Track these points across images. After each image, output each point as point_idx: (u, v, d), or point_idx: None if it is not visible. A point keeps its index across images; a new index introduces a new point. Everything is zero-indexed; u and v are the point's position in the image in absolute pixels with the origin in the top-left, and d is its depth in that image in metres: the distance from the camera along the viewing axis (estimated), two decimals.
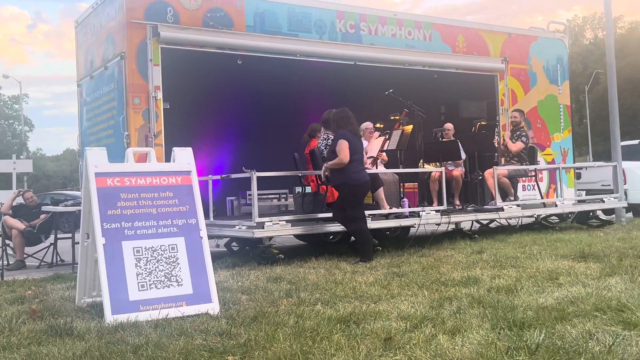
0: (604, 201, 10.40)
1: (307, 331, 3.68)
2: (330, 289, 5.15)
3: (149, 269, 4.40)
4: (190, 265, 4.52)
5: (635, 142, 14.62)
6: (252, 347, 3.42)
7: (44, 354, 3.47)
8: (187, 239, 4.60)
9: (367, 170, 8.24)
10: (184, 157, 4.90)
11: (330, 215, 7.67)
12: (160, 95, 7.66)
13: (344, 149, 6.85)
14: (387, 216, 8.16)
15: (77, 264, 5.62)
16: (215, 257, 7.25)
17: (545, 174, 11.19)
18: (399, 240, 8.69)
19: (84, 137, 9.03)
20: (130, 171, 4.66)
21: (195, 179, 4.83)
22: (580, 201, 10.59)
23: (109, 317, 4.15)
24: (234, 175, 7.77)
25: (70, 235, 8.65)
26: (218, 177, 8.05)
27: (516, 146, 9.61)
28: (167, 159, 5.32)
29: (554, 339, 3.30)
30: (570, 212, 10.51)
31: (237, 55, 8.45)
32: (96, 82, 8.56)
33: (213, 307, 4.43)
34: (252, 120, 11.49)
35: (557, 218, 10.96)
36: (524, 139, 9.62)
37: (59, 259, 8.91)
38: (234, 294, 5.08)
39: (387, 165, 9.45)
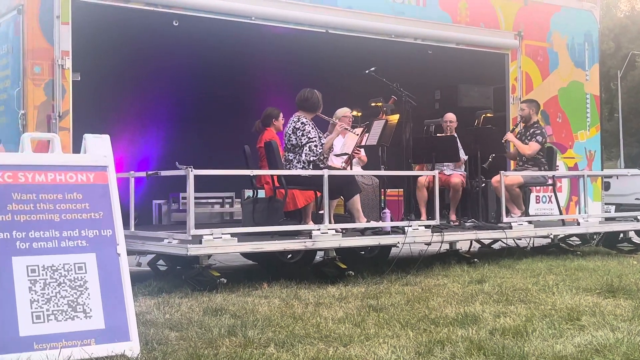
0: (638, 220, 10.58)
1: None
2: (286, 325, 5.12)
3: (48, 294, 4.31)
4: (102, 291, 4.44)
5: None
6: None
7: None
8: (100, 256, 4.52)
9: (339, 171, 8.28)
10: (99, 148, 4.81)
11: (290, 227, 7.65)
12: (69, 63, 7.56)
13: None
14: (363, 231, 8.16)
15: None
16: (137, 279, 7.13)
17: (565, 183, 11.35)
18: (378, 264, 8.69)
19: None
20: (26, 164, 4.55)
21: (112, 177, 4.75)
22: (608, 219, 10.78)
23: None
24: (163, 173, 7.69)
25: None
26: (143, 174, 7.96)
27: (530, 148, 9.66)
28: (77, 149, 5.23)
29: None
30: (596, 233, 10.65)
31: (173, 15, 8.38)
32: None
33: (132, 346, 4.36)
34: (191, 101, 11.44)
35: (578, 240, 11.11)
36: (539, 137, 9.67)
37: None
38: (159, 329, 5.01)
39: (365, 167, 9.46)
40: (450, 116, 10.12)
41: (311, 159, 7.83)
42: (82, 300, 4.39)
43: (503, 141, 9.84)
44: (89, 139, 4.86)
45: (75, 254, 4.46)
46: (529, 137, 9.72)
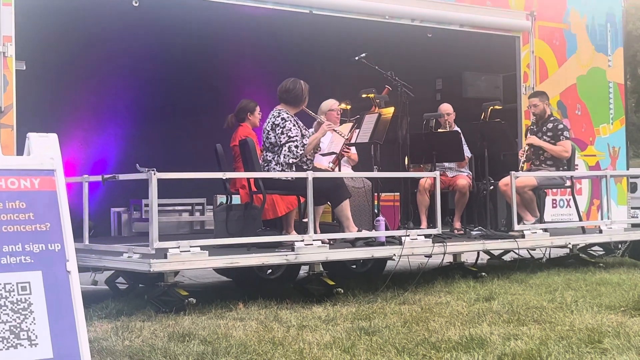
0: None
1: None
2: (265, 352, 5.11)
3: None
4: (50, 315, 4.41)
5: None
6: None
7: None
8: (47, 275, 4.49)
9: (326, 173, 8.29)
10: (45, 148, 4.78)
11: (269, 238, 7.67)
12: (12, 50, 7.51)
13: None
14: (353, 242, 8.18)
15: None
16: (92, 300, 7.08)
17: (585, 185, 11.39)
18: (371, 279, 8.70)
19: None
20: None
21: (61, 182, 4.73)
22: (635, 225, 10.80)
23: None
24: (122, 176, 7.68)
25: None
26: (99, 178, 7.94)
27: (566, 149, 9.60)
28: (20, 149, 5.22)
29: None
30: (621, 242, 10.72)
31: None
32: None
33: None
34: (154, 93, 11.42)
35: (601, 249, 11.17)
36: (566, 133, 9.68)
37: None
38: (117, 358, 4.99)
39: (355, 168, 9.47)
40: (446, 107, 10.10)
41: (290, 161, 7.84)
42: (26, 326, 4.36)
43: (525, 146, 9.83)
44: (34, 138, 4.83)
45: (17, 272, 4.42)
46: (550, 135, 9.70)
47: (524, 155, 9.71)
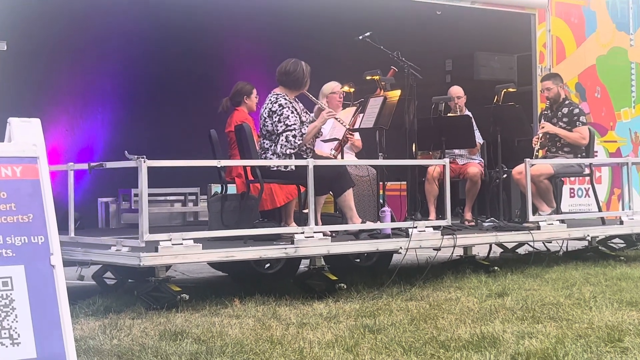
0: None
1: None
2: (262, 352, 5.11)
3: None
4: (33, 312, 4.41)
5: None
6: None
7: None
8: (29, 269, 4.49)
9: (327, 161, 8.26)
10: (27, 134, 4.78)
11: (267, 231, 7.63)
12: None
13: None
14: (357, 234, 8.17)
15: None
16: (78, 296, 7.14)
17: (605, 173, 11.38)
18: (376, 274, 8.72)
19: None
20: None
21: (44, 170, 4.72)
22: None
23: None
24: (109, 164, 7.68)
25: None
26: (85, 166, 7.93)
27: (583, 135, 9.58)
28: (2, 136, 5.20)
29: None
30: None
31: None
32: None
33: None
34: (144, 75, 11.40)
35: (622, 242, 11.15)
36: (582, 118, 9.67)
37: None
38: (105, 358, 5.00)
39: (359, 155, 9.44)
40: (456, 90, 10.07)
41: (287, 151, 7.80)
42: (7, 324, 4.36)
43: (540, 133, 9.78)
44: (15, 123, 4.82)
45: None
46: (565, 121, 9.67)
47: (538, 143, 9.67)
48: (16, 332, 4.38)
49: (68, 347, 4.42)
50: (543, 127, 9.71)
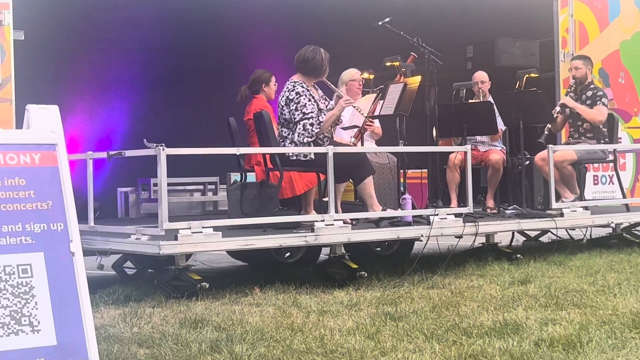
0: None
1: None
2: (283, 339, 5.12)
3: None
4: (53, 300, 4.42)
5: None
6: None
7: None
8: (49, 256, 4.50)
9: (347, 148, 8.25)
10: (46, 121, 4.79)
11: (287, 219, 7.63)
12: (9, 18, 7.51)
13: None
14: (377, 222, 8.15)
15: None
16: (98, 285, 7.17)
17: (629, 159, 11.31)
18: (397, 262, 8.70)
19: None
20: None
21: (63, 157, 4.73)
22: None
23: None
24: (128, 153, 7.70)
25: None
26: (104, 154, 7.96)
27: (601, 113, 9.51)
28: (19, 125, 5.22)
29: None
30: None
31: None
32: None
33: None
34: (163, 63, 11.41)
35: None
36: (604, 99, 9.61)
37: None
38: (125, 346, 5.02)
39: (379, 142, 9.42)
40: (481, 75, 10.05)
41: (305, 140, 7.79)
42: (27, 311, 4.37)
43: (557, 109, 9.73)
44: (33, 110, 4.83)
45: (18, 253, 4.43)
46: (588, 102, 9.61)
47: (556, 114, 9.66)
48: (36, 319, 4.39)
49: (88, 335, 4.43)
50: (563, 100, 9.69)
